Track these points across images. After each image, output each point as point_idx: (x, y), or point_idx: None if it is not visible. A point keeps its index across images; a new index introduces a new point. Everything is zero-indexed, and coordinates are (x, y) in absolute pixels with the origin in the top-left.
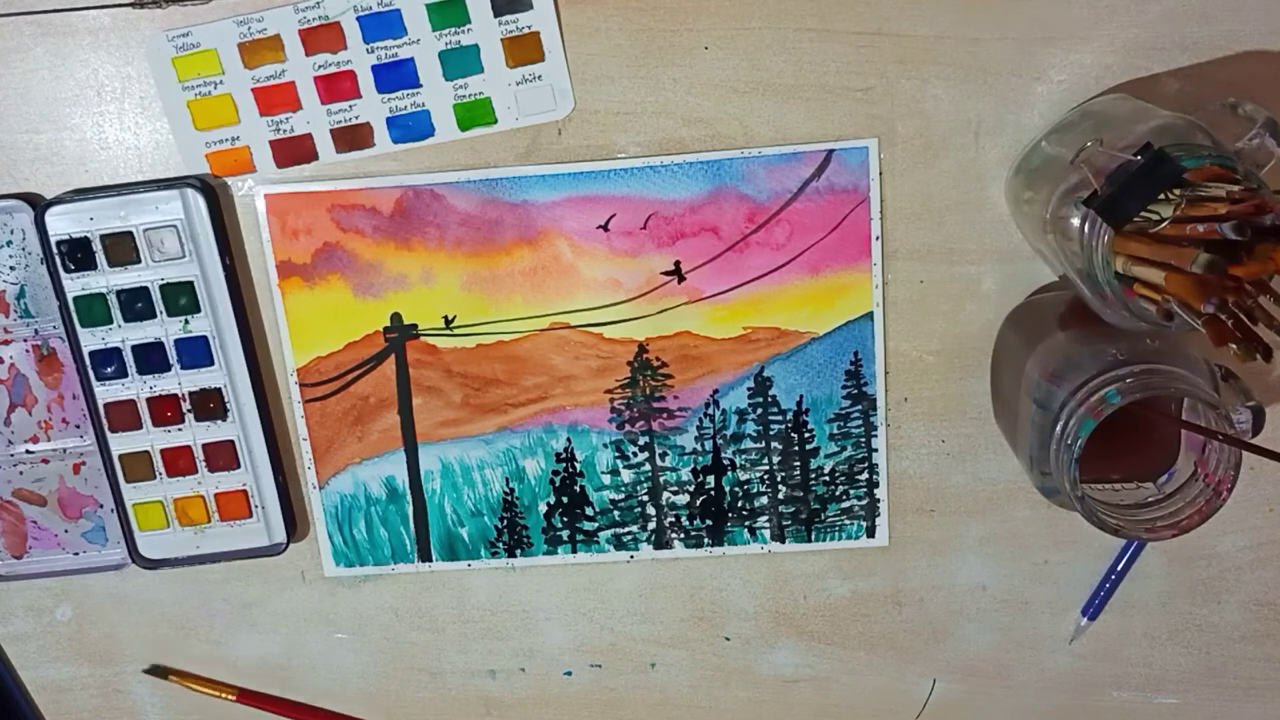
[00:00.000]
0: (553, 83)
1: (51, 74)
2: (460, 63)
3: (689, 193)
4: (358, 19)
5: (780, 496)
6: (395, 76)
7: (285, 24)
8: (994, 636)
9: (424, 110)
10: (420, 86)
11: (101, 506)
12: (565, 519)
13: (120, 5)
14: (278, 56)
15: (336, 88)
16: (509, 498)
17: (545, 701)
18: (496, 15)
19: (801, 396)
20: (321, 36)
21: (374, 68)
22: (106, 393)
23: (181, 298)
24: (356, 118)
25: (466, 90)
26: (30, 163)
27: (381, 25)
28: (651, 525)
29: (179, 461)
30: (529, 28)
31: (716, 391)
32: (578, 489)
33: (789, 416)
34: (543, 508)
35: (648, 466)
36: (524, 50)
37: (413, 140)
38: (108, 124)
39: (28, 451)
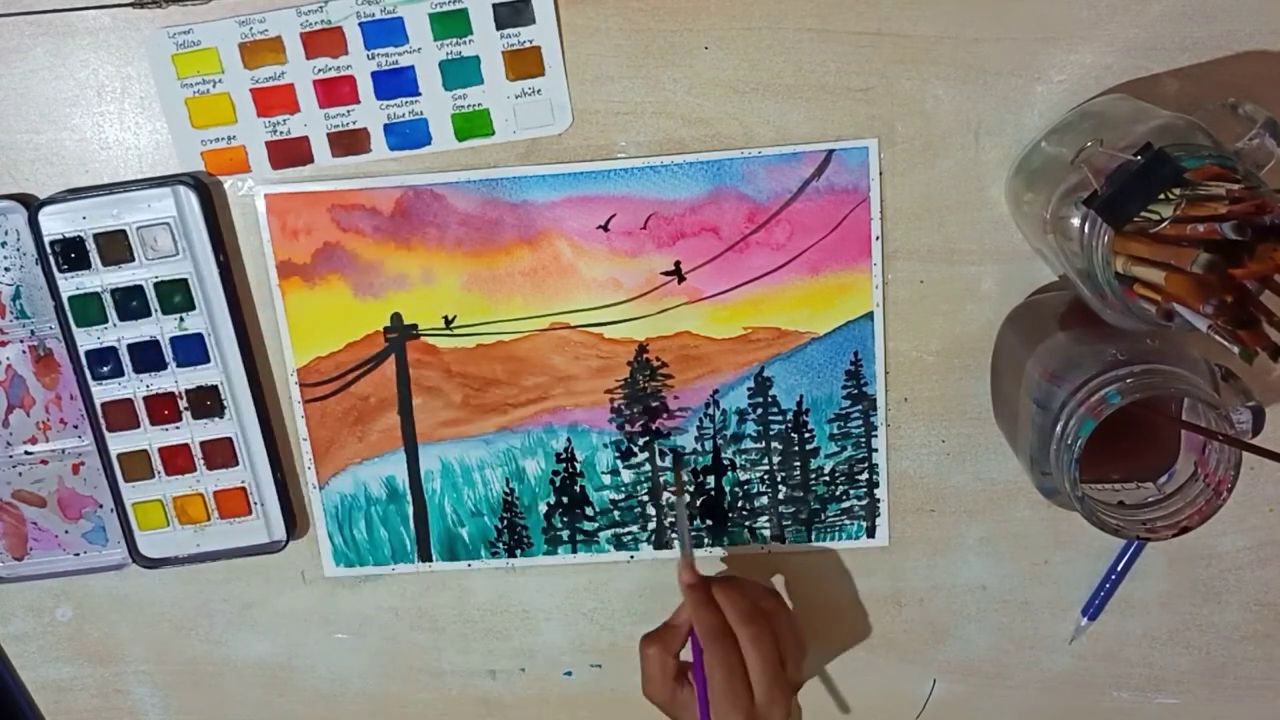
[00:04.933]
0: (551, 97)
1: (51, 74)
2: (460, 73)
3: (689, 193)
4: (360, 25)
5: (780, 496)
6: (395, 84)
7: (287, 26)
8: (994, 636)
9: (422, 119)
10: (419, 95)
11: (101, 506)
12: (565, 519)
13: (120, 5)
14: (278, 58)
15: (335, 92)
16: (509, 498)
17: (545, 701)
18: (499, 28)
19: (801, 396)
20: (323, 40)
21: (374, 74)
22: (103, 392)
23: (176, 295)
24: (354, 123)
25: (465, 101)
26: (30, 163)
27: (383, 32)
28: (651, 525)
29: (177, 460)
30: (530, 42)
31: (716, 391)
32: (578, 489)
33: (789, 416)
34: (543, 508)
35: (648, 466)
36: (525, 64)
37: (409, 148)
38: (108, 124)
39: (26, 453)
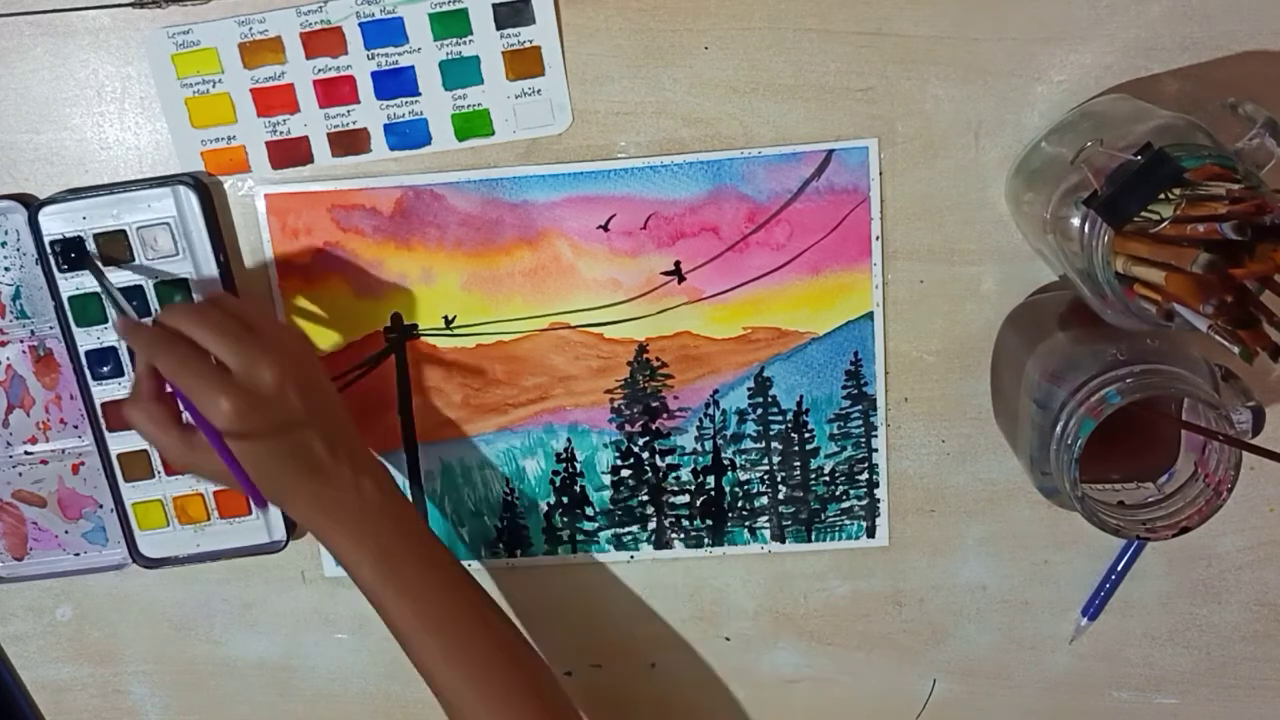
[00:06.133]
0: (551, 97)
1: (51, 74)
2: (460, 73)
3: (689, 193)
4: (360, 25)
5: (780, 496)
6: (395, 84)
7: (287, 26)
8: (994, 636)
9: (422, 119)
10: (419, 95)
11: (101, 506)
12: (565, 519)
13: (120, 5)
14: (278, 58)
15: (335, 92)
16: (509, 498)
17: None
18: (499, 28)
19: (801, 396)
20: (323, 40)
21: (374, 74)
22: (103, 392)
23: (176, 295)
24: (354, 123)
25: (465, 101)
26: (30, 163)
27: (383, 32)
28: (651, 525)
29: None
30: (530, 42)
31: (716, 391)
32: (578, 489)
33: (789, 416)
34: (543, 508)
35: (648, 466)
36: (525, 64)
37: (409, 148)
38: (108, 124)
39: (26, 453)
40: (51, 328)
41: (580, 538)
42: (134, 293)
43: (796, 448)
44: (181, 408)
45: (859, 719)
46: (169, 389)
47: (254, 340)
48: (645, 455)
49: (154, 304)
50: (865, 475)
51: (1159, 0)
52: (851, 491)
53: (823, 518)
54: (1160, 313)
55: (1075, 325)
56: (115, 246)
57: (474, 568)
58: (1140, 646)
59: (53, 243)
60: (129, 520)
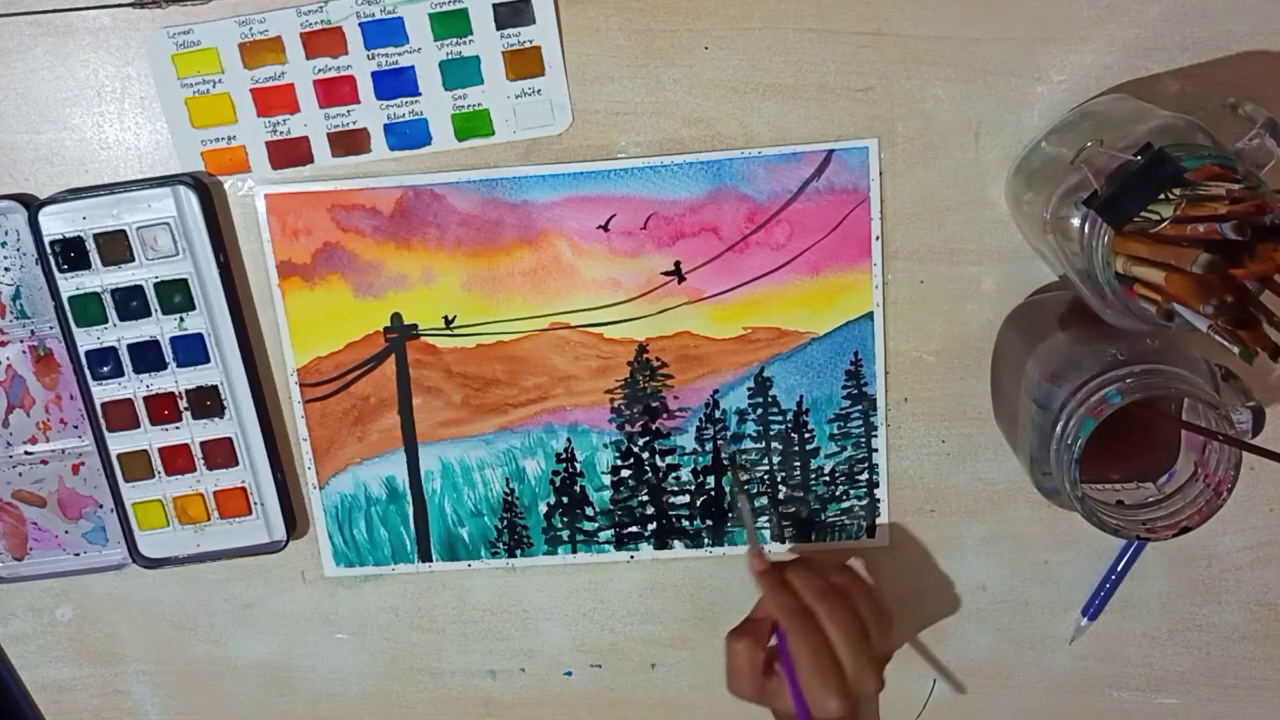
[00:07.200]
0: (551, 97)
1: (51, 74)
2: (460, 73)
3: (689, 193)
4: (360, 25)
5: (780, 497)
6: (395, 84)
7: (287, 26)
8: (994, 636)
9: (422, 119)
10: (419, 95)
11: (101, 506)
12: (565, 519)
13: (120, 5)
14: (278, 58)
15: (335, 92)
16: (509, 498)
17: (545, 701)
18: (499, 28)
19: (801, 396)
20: (323, 40)
21: (374, 74)
22: (103, 392)
23: (176, 295)
24: (354, 123)
25: (465, 101)
26: (30, 163)
27: (383, 32)
28: (651, 525)
29: (177, 460)
30: (530, 42)
31: (716, 391)
32: (578, 489)
33: (789, 417)
34: (543, 508)
35: (648, 466)
36: (525, 64)
37: (409, 148)
38: (108, 124)
39: (26, 453)
40: (51, 328)
41: (580, 538)
42: (134, 293)
43: (796, 448)
44: (779, 668)
45: None
46: (773, 639)
47: (870, 650)
48: (645, 455)
49: (154, 304)
50: (865, 475)
51: (1159, 0)
52: (851, 492)
53: (823, 518)
54: (1160, 313)
55: (1075, 325)
56: (115, 246)
57: (474, 568)
58: (1140, 646)
59: (53, 243)
60: (129, 520)
